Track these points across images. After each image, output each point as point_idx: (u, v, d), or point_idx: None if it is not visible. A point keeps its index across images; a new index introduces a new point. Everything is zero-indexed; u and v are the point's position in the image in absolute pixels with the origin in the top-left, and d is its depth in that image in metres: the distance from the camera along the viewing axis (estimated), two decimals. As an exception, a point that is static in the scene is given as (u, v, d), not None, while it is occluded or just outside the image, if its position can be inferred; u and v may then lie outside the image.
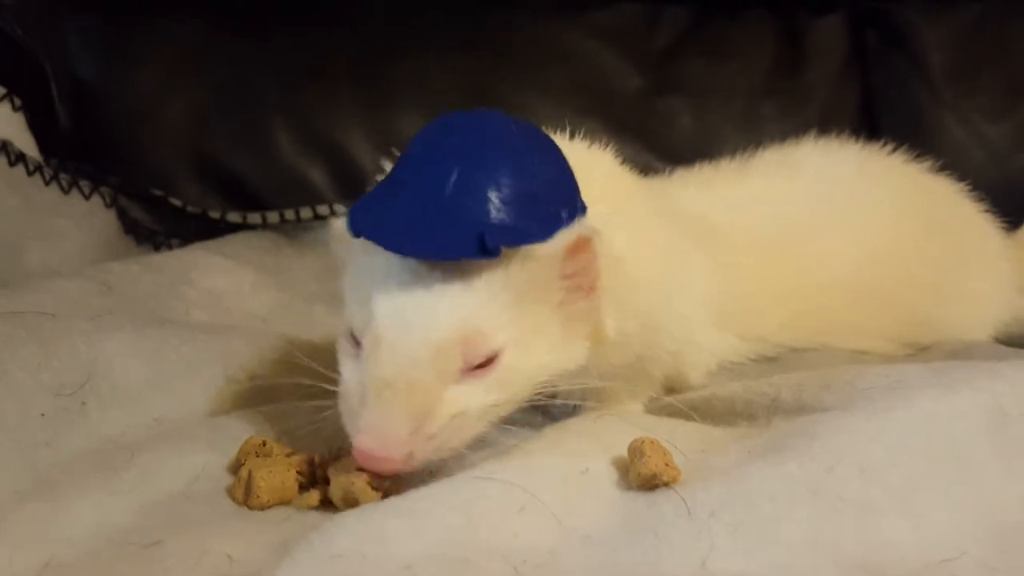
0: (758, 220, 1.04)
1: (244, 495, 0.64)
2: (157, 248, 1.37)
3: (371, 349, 0.65)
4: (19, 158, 1.22)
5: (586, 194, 0.74)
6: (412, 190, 0.68)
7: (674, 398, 0.83)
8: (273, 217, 1.42)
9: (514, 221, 0.67)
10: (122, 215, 1.35)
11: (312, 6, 1.69)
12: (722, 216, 1.01)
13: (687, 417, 0.78)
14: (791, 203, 1.08)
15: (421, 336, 0.65)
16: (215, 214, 1.41)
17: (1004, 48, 1.74)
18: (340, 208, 1.49)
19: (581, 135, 0.87)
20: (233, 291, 1.10)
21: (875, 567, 0.53)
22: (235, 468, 0.68)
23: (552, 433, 0.73)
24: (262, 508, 0.64)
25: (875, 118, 1.78)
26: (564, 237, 0.69)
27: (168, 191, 1.47)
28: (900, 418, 0.62)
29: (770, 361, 0.99)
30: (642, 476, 0.61)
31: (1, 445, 0.62)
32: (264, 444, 0.69)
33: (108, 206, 1.31)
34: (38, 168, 1.24)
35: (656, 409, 0.85)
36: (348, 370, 0.68)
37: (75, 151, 1.50)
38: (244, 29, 1.67)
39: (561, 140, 0.81)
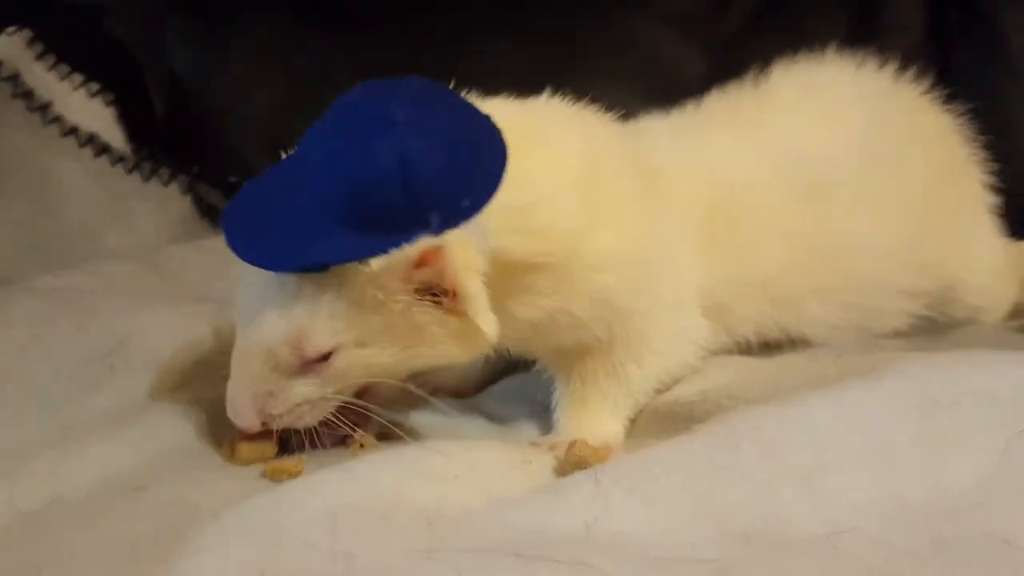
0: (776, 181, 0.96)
1: (229, 453, 0.74)
2: (231, 229, 1.49)
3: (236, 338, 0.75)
4: (104, 149, 1.37)
5: (535, 166, 0.75)
6: (278, 184, 0.74)
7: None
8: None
9: (352, 235, 0.69)
10: (199, 201, 1.48)
11: (390, 2, 1.77)
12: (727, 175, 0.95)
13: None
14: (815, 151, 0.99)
15: (255, 337, 0.73)
16: (285, 199, 1.52)
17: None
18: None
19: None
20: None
21: (757, 535, 0.58)
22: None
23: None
24: (244, 464, 0.74)
25: (952, 99, 1.74)
26: (405, 252, 0.70)
27: (247, 178, 1.59)
28: (811, 406, 0.65)
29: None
30: (570, 461, 0.69)
31: (30, 401, 0.74)
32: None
33: (184, 192, 1.44)
34: (121, 159, 1.38)
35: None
36: None
37: (169, 141, 1.64)
38: (323, 24, 1.77)
39: (525, 102, 0.85)
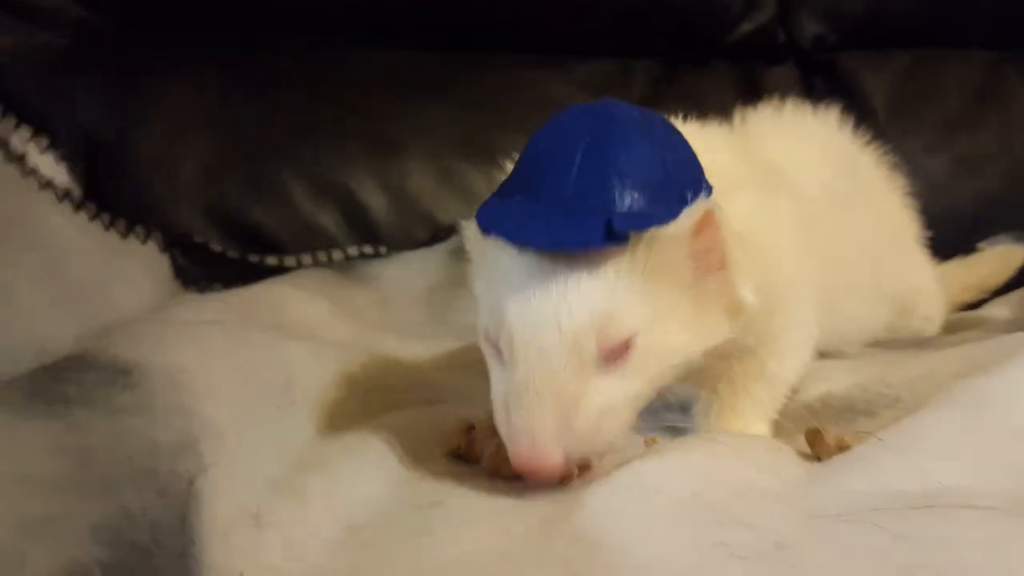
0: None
1: (492, 466, 0.70)
2: (201, 292, 1.40)
3: (508, 350, 0.66)
4: (80, 204, 1.25)
5: (710, 171, 0.76)
6: (536, 184, 0.69)
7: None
8: (290, 261, 1.49)
9: (639, 206, 0.68)
10: (172, 260, 1.38)
11: (319, 65, 1.76)
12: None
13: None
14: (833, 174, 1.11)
15: (553, 328, 0.65)
16: (254, 258, 1.45)
17: (936, 89, 1.89)
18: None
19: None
20: (317, 320, 1.14)
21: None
22: (451, 449, 0.74)
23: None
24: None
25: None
26: (689, 216, 0.70)
27: (205, 240, 1.50)
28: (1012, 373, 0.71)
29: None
30: (829, 446, 0.70)
31: (265, 430, 0.67)
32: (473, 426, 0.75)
33: (162, 251, 1.34)
34: (96, 214, 1.26)
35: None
36: (495, 378, 0.70)
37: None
38: (253, 86, 1.72)
39: (679, 123, 0.85)
